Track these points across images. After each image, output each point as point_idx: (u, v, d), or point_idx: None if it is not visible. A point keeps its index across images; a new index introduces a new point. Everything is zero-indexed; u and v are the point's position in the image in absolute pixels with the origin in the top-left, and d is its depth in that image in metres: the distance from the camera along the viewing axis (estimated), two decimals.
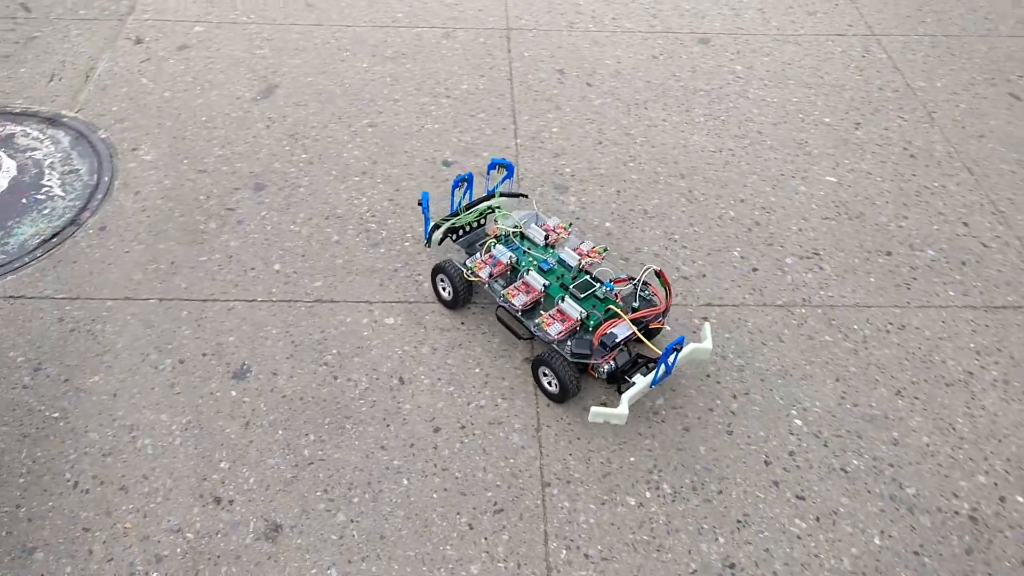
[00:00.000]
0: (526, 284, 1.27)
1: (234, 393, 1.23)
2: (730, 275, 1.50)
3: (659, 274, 1.27)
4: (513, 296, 1.25)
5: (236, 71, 1.91)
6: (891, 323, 1.43)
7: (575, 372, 1.21)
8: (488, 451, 1.18)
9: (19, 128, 1.69)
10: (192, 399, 1.22)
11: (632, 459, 1.18)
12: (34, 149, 1.64)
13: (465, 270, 1.33)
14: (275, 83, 1.88)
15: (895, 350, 1.38)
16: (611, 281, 1.27)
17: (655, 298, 1.28)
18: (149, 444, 1.16)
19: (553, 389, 1.25)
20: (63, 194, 1.55)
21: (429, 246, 1.44)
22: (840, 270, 1.52)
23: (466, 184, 1.44)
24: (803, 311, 1.44)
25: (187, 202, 1.56)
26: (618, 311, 1.21)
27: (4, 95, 1.79)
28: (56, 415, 1.19)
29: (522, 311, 1.25)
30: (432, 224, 1.42)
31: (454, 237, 1.43)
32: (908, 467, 1.20)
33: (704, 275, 1.49)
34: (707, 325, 1.29)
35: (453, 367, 1.29)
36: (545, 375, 1.25)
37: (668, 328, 1.36)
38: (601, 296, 1.26)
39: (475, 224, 1.45)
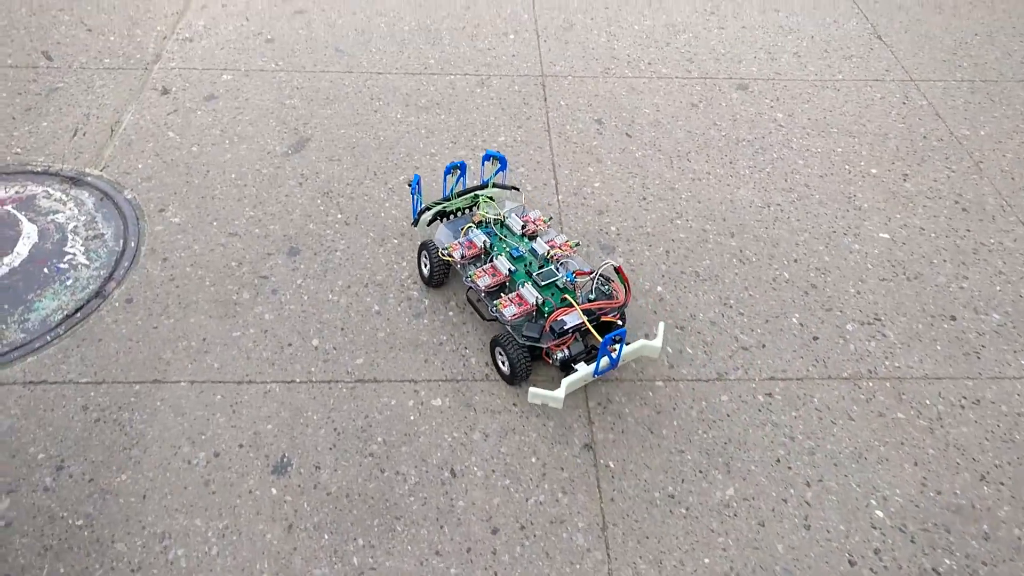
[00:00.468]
0: (494, 268, 1.34)
1: (274, 491, 1.15)
2: (790, 344, 1.42)
3: (618, 270, 1.31)
4: (479, 277, 1.33)
5: (266, 123, 1.85)
6: (965, 397, 1.35)
7: (526, 355, 1.27)
8: (551, 555, 1.09)
9: (41, 189, 1.62)
10: (229, 499, 1.14)
11: (707, 560, 1.10)
12: (56, 212, 1.58)
13: (441, 249, 1.40)
14: (306, 136, 1.82)
15: (973, 428, 1.30)
16: (572, 272, 1.34)
17: (615, 293, 1.32)
18: (183, 555, 1.08)
19: (506, 370, 1.31)
20: (87, 262, 1.48)
21: (415, 226, 1.51)
22: (904, 337, 1.45)
23: (459, 172, 1.51)
24: (871, 384, 1.36)
25: (218, 269, 1.49)
26: (572, 300, 1.27)
27: (26, 152, 1.72)
28: (80, 523, 1.11)
29: (486, 292, 1.32)
30: (424, 206, 1.49)
31: (444, 221, 1.50)
32: (1003, 565, 1.11)
33: (764, 345, 1.41)
34: (662, 324, 1.33)
35: (507, 456, 1.21)
36: (500, 355, 1.32)
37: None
38: (561, 285, 1.32)
39: (465, 210, 1.51)
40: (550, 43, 2.19)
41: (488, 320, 1.37)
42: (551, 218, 1.53)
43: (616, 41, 2.22)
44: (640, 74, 2.10)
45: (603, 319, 1.27)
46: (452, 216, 1.51)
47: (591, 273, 1.31)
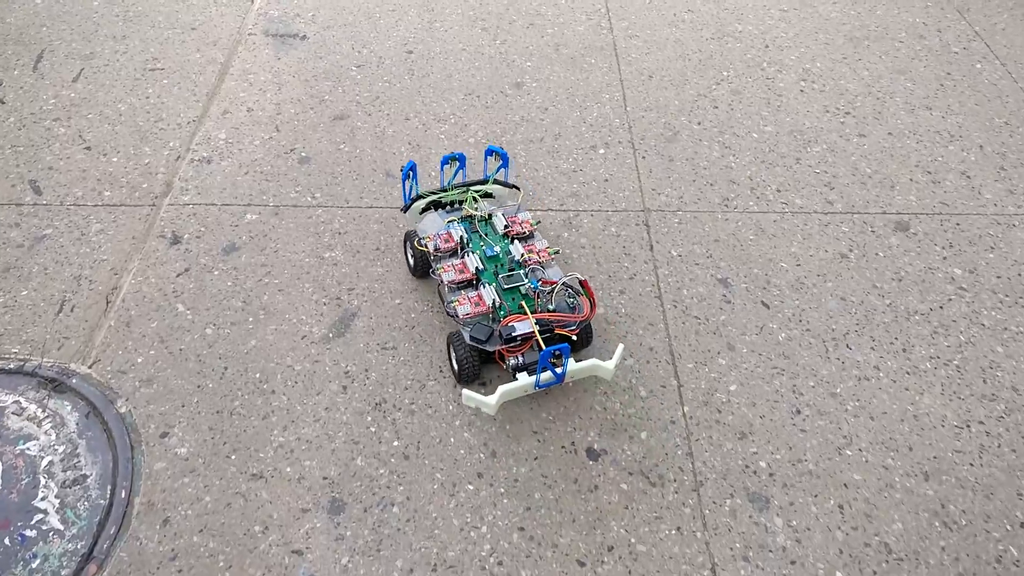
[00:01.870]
0: (463, 264, 1.32)
1: None
2: None
3: (583, 284, 1.29)
4: (445, 271, 1.31)
5: (300, 289, 1.45)
6: None
7: (474, 356, 1.26)
8: None
9: (11, 398, 1.24)
10: None
11: None
12: (29, 437, 1.20)
13: (418, 239, 1.38)
14: (352, 308, 1.42)
15: None
16: (537, 280, 1.29)
17: (581, 306, 1.28)
18: None
19: (456, 368, 1.30)
20: (61, 526, 1.09)
21: (405, 212, 1.46)
22: None
23: (458, 163, 1.47)
24: None
25: (236, 539, 1.09)
26: (524, 307, 1.25)
27: None
28: None
29: (448, 287, 1.30)
30: (417, 194, 1.45)
31: (438, 211, 1.46)
32: None
33: None
34: (620, 347, 1.27)
35: None
36: (452, 353, 1.30)
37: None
38: (524, 291, 1.29)
39: (459, 203, 1.47)
40: (650, 159, 1.77)
41: (450, 316, 1.29)
42: (539, 222, 1.49)
43: (732, 155, 1.79)
44: (769, 207, 1.67)
45: (557, 331, 1.24)
46: (448, 207, 1.47)
47: (557, 284, 1.29)
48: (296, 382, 1.30)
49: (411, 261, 1.47)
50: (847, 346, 1.39)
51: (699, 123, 1.87)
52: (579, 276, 1.28)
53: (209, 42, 2.07)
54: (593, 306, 1.27)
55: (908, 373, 1.35)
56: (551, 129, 1.84)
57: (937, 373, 1.35)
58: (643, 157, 1.77)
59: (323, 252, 1.52)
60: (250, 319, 1.40)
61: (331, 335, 1.37)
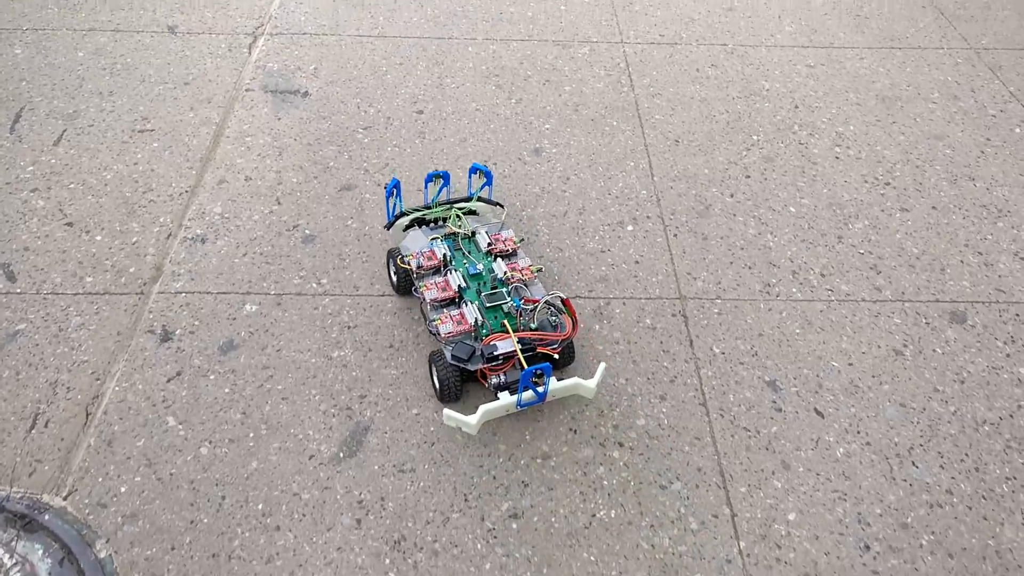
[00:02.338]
0: (446, 282, 1.32)
1: None
2: None
3: (565, 302, 1.26)
4: (427, 290, 1.31)
5: (306, 397, 1.30)
6: None
7: (456, 375, 1.24)
8: None
9: None
10: None
11: None
12: None
13: (401, 256, 1.39)
14: (365, 421, 1.26)
15: None
16: (520, 298, 1.29)
17: (562, 325, 1.27)
18: None
19: (438, 387, 1.29)
20: None
21: (388, 229, 1.47)
22: None
23: (442, 180, 1.48)
24: None
25: None
26: (507, 326, 1.23)
27: None
28: None
29: (430, 305, 1.30)
30: (401, 211, 1.47)
31: (422, 228, 1.47)
32: None
33: None
34: (602, 365, 1.25)
35: None
36: (434, 372, 1.29)
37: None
38: (506, 310, 1.28)
39: (444, 220, 1.47)
40: (683, 237, 1.64)
41: (432, 334, 1.30)
42: (523, 240, 1.48)
43: (770, 233, 1.67)
44: (814, 294, 1.54)
45: (539, 350, 1.23)
46: (432, 224, 1.48)
47: (547, 302, 1.27)
48: (304, 514, 1.15)
49: (394, 279, 1.46)
50: (913, 463, 1.26)
51: (732, 195, 1.75)
52: (560, 295, 1.27)
53: (203, 99, 1.93)
54: (575, 324, 1.26)
55: (984, 498, 1.22)
56: (574, 202, 1.71)
57: (1016, 498, 1.23)
58: (675, 235, 1.64)
59: (331, 351, 1.37)
60: (251, 434, 1.24)
61: (342, 454, 1.22)
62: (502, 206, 1.52)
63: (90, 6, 2.24)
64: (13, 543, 1.08)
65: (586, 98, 2.01)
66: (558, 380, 1.23)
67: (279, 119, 1.88)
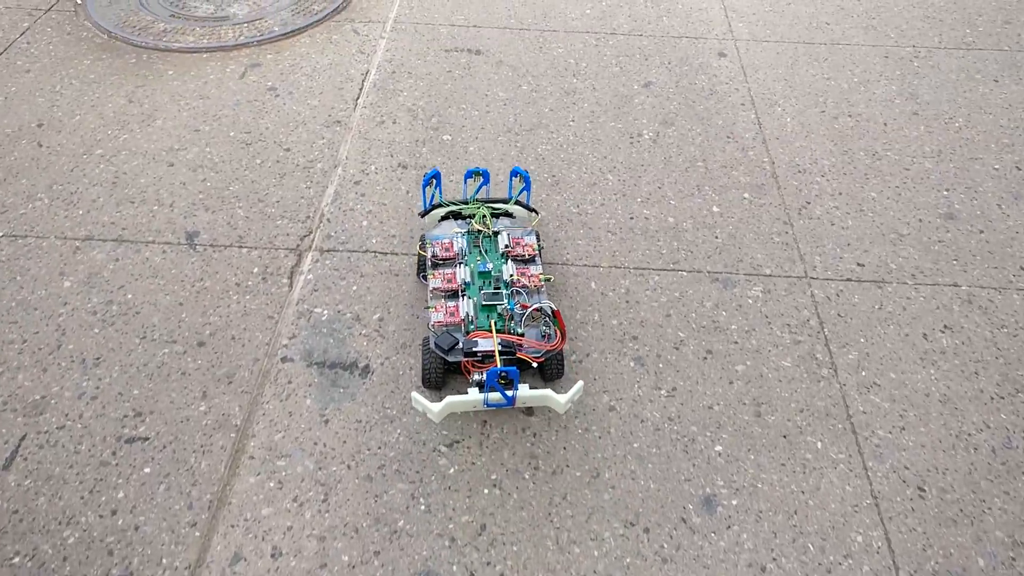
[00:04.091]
0: (453, 274, 1.36)
1: None
2: None
3: (555, 314, 1.28)
4: (434, 278, 1.36)
5: None
6: None
7: (439, 364, 1.27)
8: None
9: None
10: None
11: None
12: None
13: (421, 244, 1.44)
14: None
15: None
16: (516, 302, 1.31)
17: (552, 337, 1.27)
18: None
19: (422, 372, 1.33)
20: None
21: (423, 217, 1.51)
22: None
23: (482, 178, 1.50)
24: None
25: None
26: (490, 326, 1.27)
27: None
28: None
29: (432, 293, 1.34)
30: (438, 202, 1.50)
31: (456, 221, 1.50)
32: None
33: None
34: (580, 383, 1.23)
35: None
36: (421, 357, 1.33)
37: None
38: (500, 311, 1.31)
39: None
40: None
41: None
42: (543, 247, 1.51)
43: None
44: None
45: (519, 355, 1.24)
46: (467, 220, 1.49)
47: (535, 309, 1.30)
48: None
49: (417, 263, 1.51)
50: None
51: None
52: (552, 305, 1.30)
53: (221, 375, 1.35)
54: (563, 338, 1.27)
55: None
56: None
57: None
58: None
59: None
60: None
61: None
62: (536, 212, 1.54)
63: (91, 198, 1.70)
64: None
65: (771, 395, 1.37)
66: (530, 388, 1.24)
67: (325, 421, 1.30)
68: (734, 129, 1.97)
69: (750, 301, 1.53)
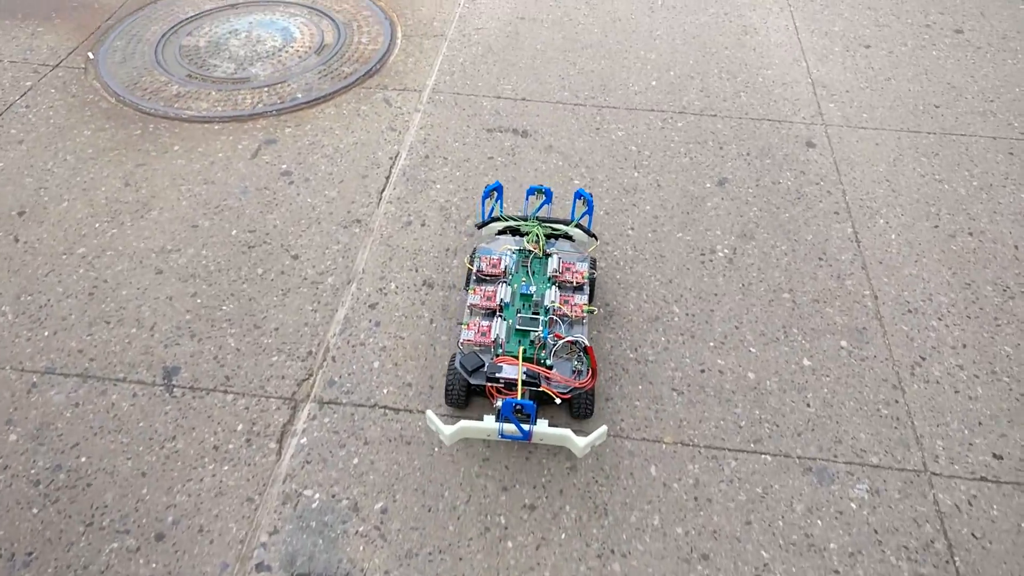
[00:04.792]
0: (494, 292, 1.32)
1: None
2: None
3: (587, 350, 1.22)
4: (474, 293, 1.32)
5: None
6: None
7: (462, 383, 1.25)
8: None
9: None
10: None
11: None
12: None
13: (471, 256, 1.42)
14: None
15: None
16: (550, 331, 1.26)
17: (583, 373, 1.23)
18: None
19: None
20: None
21: (480, 229, 1.47)
22: None
23: (544, 197, 1.48)
24: None
25: None
26: (516, 354, 1.22)
27: None
28: None
29: (470, 309, 1.31)
30: (497, 216, 1.46)
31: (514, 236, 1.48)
32: None
33: None
34: (603, 428, 1.15)
35: None
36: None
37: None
38: (532, 338, 1.26)
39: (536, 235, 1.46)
40: None
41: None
42: (593, 275, 1.40)
43: None
44: None
45: (543, 388, 1.18)
46: (524, 236, 1.46)
47: (567, 341, 1.24)
48: None
49: (466, 277, 1.45)
50: None
51: None
52: (585, 341, 1.23)
53: None
54: (593, 376, 1.21)
55: None
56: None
57: None
58: None
59: None
60: None
61: None
62: (595, 238, 1.49)
63: (61, 314, 1.44)
64: None
65: None
66: (549, 425, 1.18)
67: None
68: (827, 247, 1.64)
69: (853, 506, 1.20)
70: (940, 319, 1.49)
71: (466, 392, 1.25)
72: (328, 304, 1.48)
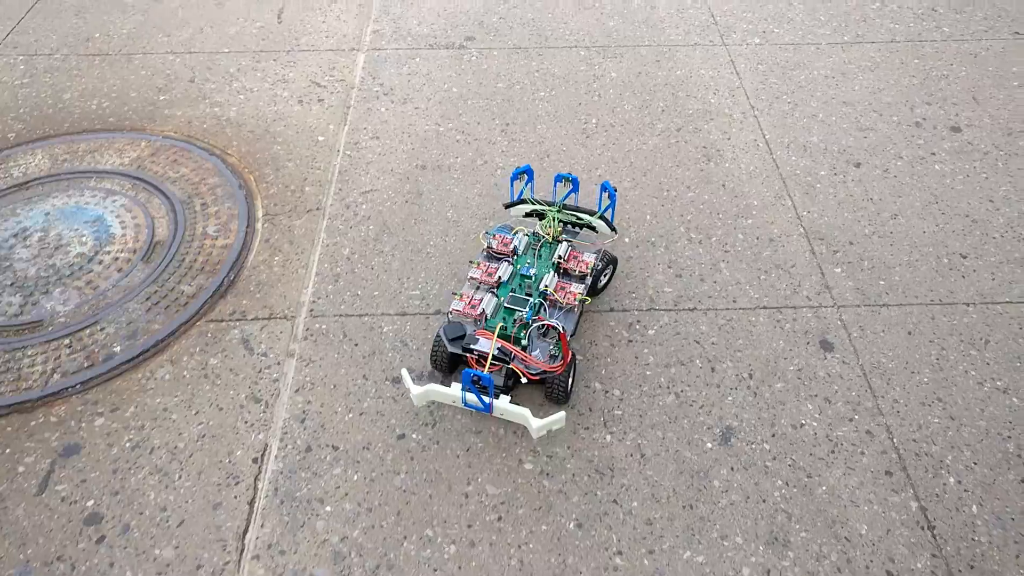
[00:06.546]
0: (494, 269, 1.35)
1: None
2: None
3: (560, 336, 1.24)
4: (477, 268, 1.36)
5: None
6: None
7: (445, 350, 1.28)
8: None
9: None
10: None
11: None
12: None
13: (486, 232, 1.46)
14: None
15: None
16: (533, 315, 1.29)
17: (558, 357, 1.24)
18: None
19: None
20: None
21: (507, 208, 1.51)
22: None
23: (571, 185, 1.48)
24: None
25: None
26: (495, 329, 1.25)
27: None
28: None
29: (469, 282, 1.35)
30: (525, 198, 1.49)
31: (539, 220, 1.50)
32: None
33: None
34: (562, 414, 1.19)
35: None
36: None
37: None
38: (515, 318, 1.28)
39: (559, 221, 1.47)
40: None
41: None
42: (597, 268, 1.42)
43: None
44: None
45: (512, 366, 1.22)
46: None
47: (548, 325, 1.27)
48: None
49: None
50: None
51: None
52: (560, 327, 1.24)
53: None
54: (565, 361, 1.24)
55: None
56: None
57: None
58: None
59: None
60: None
61: None
62: (616, 232, 1.48)
63: None
64: None
65: None
66: (512, 403, 1.21)
67: None
68: (893, 552, 1.17)
69: None
70: None
71: (449, 358, 1.30)
72: None
